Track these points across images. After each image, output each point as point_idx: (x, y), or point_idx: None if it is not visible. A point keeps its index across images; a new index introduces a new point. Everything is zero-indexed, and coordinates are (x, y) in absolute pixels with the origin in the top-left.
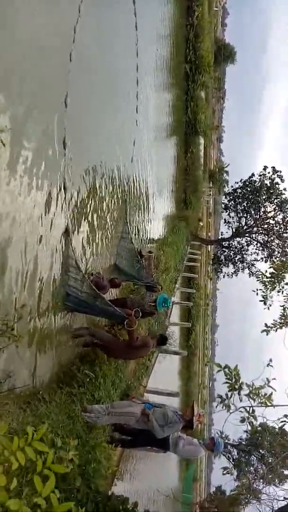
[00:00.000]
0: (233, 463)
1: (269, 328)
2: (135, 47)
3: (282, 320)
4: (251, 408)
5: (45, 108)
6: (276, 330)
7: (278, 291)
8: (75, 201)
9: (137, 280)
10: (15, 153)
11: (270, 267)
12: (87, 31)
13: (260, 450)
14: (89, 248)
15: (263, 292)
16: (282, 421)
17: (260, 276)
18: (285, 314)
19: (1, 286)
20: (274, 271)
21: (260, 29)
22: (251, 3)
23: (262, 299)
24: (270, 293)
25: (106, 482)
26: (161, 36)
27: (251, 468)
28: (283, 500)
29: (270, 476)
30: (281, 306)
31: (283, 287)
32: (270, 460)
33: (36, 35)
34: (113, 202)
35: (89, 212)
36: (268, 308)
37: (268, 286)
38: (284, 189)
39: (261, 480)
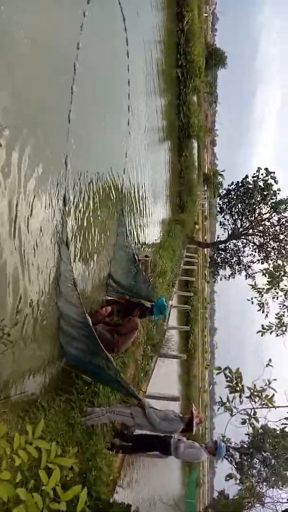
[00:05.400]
0: (235, 466)
1: (264, 330)
2: (126, 60)
3: (279, 329)
4: (252, 410)
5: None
6: (271, 333)
7: (273, 297)
8: (72, 212)
9: (133, 294)
10: (16, 155)
11: (266, 270)
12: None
13: (263, 453)
14: (81, 257)
15: (258, 300)
16: (283, 424)
17: (253, 284)
18: (281, 322)
19: None
20: (272, 272)
21: (251, 33)
22: (241, 8)
23: (259, 307)
24: (265, 299)
25: (107, 489)
26: (151, 42)
27: (254, 471)
28: (286, 502)
29: (273, 478)
30: (276, 314)
31: (277, 293)
32: (272, 463)
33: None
34: (108, 208)
35: (84, 219)
36: (267, 316)
37: (262, 293)
38: (278, 190)
39: (264, 483)
